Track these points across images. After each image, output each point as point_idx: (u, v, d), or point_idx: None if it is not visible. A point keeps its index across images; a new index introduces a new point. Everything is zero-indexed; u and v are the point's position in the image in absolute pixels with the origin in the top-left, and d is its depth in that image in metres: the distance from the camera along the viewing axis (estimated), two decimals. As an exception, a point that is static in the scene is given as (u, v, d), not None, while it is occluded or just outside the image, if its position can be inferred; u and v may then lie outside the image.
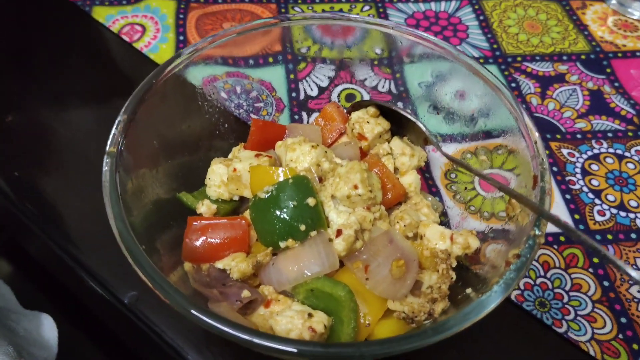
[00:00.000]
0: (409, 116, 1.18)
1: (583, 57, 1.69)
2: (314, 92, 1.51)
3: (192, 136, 1.22)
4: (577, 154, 1.46)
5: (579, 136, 1.50)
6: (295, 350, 0.73)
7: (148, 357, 1.35)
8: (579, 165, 1.43)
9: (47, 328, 1.51)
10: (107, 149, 0.94)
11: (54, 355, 1.45)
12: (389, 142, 1.22)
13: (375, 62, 1.55)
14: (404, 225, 1.07)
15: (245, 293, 0.94)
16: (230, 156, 1.21)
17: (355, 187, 1.01)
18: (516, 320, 1.18)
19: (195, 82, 1.21)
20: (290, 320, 0.90)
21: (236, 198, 1.15)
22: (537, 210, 0.84)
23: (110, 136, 0.96)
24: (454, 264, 1.01)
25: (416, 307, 0.95)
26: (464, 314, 0.79)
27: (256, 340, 0.73)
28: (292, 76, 1.54)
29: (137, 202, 0.98)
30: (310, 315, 0.92)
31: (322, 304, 0.96)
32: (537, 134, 0.99)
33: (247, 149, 1.20)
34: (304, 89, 1.52)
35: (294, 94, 1.51)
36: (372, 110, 1.21)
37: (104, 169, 0.92)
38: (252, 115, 1.36)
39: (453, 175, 1.34)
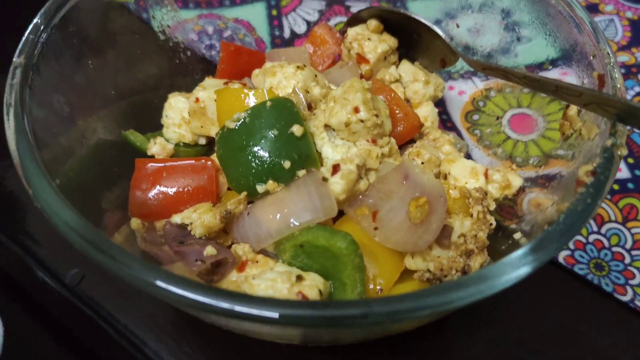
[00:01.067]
0: (425, 22, 0.92)
1: (617, -15, 1.44)
2: (302, 28, 1.25)
3: (148, 71, 0.96)
4: (622, 91, 1.19)
5: (622, 70, 1.24)
6: (275, 315, 0.47)
7: (102, 351, 1.08)
8: (626, 102, 1.17)
9: (-9, 326, 1.25)
10: (15, 57, 0.68)
11: (-4, 356, 1.19)
12: (396, 67, 0.96)
13: (374, -2, 1.30)
14: (422, 163, 0.82)
15: (209, 250, 0.68)
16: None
17: (356, 110, 0.76)
18: (566, 287, 0.92)
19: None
20: (271, 284, 0.64)
21: (202, 142, 0.90)
22: (619, 105, 0.58)
23: (22, 41, 0.70)
24: (492, 207, 0.75)
25: (445, 262, 0.69)
26: (527, 251, 0.53)
27: (208, 301, 0.47)
28: (274, 12, 1.28)
29: (59, 139, 0.72)
30: (299, 277, 0.66)
31: (316, 264, 0.70)
32: (593, 23, 0.73)
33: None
34: (290, 26, 1.26)
35: (277, 32, 1.26)
36: (374, 24, 0.95)
37: (8, 83, 0.66)
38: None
39: (476, 117, 1.08)
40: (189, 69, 1.01)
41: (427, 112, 0.93)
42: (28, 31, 0.70)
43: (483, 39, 1.05)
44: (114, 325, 0.90)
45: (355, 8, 1.19)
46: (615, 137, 0.61)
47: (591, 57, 0.72)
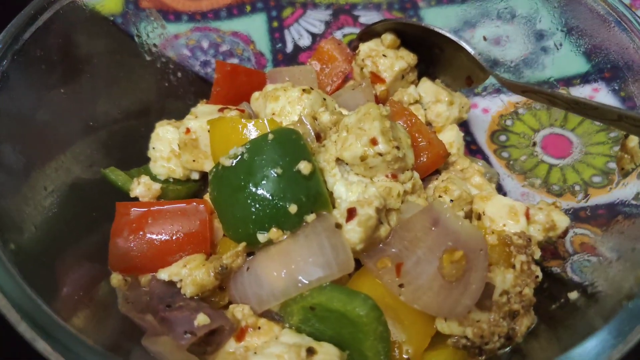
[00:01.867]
0: (450, 36, 0.80)
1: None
2: (306, 42, 1.14)
3: (132, 96, 0.85)
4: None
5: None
6: None
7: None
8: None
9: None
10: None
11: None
12: (416, 86, 0.85)
13: (384, 7, 1.19)
14: (451, 200, 0.70)
15: (201, 319, 0.56)
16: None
17: (374, 141, 0.64)
18: None
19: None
20: (277, 362, 0.52)
21: (195, 176, 0.78)
22: None
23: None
24: (537, 255, 0.63)
25: (486, 327, 0.57)
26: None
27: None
28: (275, 24, 1.17)
29: (20, 183, 0.61)
30: (310, 350, 0.54)
31: (329, 329, 0.59)
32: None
33: (212, 104, 0.82)
34: (292, 38, 1.15)
35: (279, 45, 1.14)
36: (389, 38, 0.83)
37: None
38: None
39: (503, 138, 0.97)
40: (180, 92, 0.90)
41: (452, 137, 0.82)
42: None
43: (509, 50, 0.94)
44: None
45: (364, 18, 1.08)
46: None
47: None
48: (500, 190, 0.88)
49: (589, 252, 0.66)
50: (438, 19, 1.03)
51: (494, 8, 0.93)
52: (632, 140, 0.61)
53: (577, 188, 0.81)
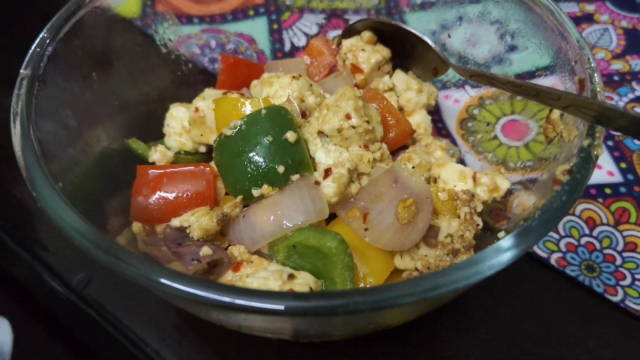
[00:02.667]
0: (416, 32, 0.95)
1: (612, -5, 1.46)
2: (302, 41, 1.29)
3: (151, 83, 1.00)
4: (616, 97, 1.22)
5: (616, 78, 1.27)
6: (258, 305, 0.50)
7: (106, 353, 1.11)
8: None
9: (2, 332, 1.29)
10: (22, 69, 0.72)
11: (6, 361, 1.22)
12: (390, 77, 1.00)
13: (372, 12, 1.34)
14: (412, 167, 0.84)
15: (205, 250, 0.71)
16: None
17: (348, 116, 0.79)
18: (558, 288, 0.94)
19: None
20: (264, 282, 0.67)
21: (202, 149, 0.93)
22: (595, 107, 0.61)
23: (29, 53, 0.74)
24: (479, 208, 0.77)
25: (432, 261, 0.72)
26: (500, 246, 0.56)
27: (204, 294, 0.50)
28: (275, 26, 1.32)
29: (64, 147, 0.76)
30: (291, 276, 0.69)
31: (308, 264, 0.73)
32: (576, 31, 0.76)
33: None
34: (290, 39, 1.30)
35: (277, 45, 1.30)
36: (367, 35, 0.98)
37: (15, 93, 0.70)
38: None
39: (470, 124, 1.11)
40: (190, 80, 1.05)
41: (420, 120, 0.96)
42: (35, 44, 0.75)
43: (478, 49, 1.08)
44: (118, 327, 0.93)
45: (353, 21, 1.23)
46: (592, 138, 0.63)
47: (573, 63, 0.74)
48: (463, 164, 1.02)
49: (523, 208, 0.80)
50: (420, 22, 1.18)
51: (467, 12, 1.07)
52: (554, 113, 0.75)
53: (528, 164, 0.95)
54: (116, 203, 0.84)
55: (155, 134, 0.96)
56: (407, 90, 0.97)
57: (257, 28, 1.33)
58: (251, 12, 1.33)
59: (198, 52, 1.22)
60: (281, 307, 0.50)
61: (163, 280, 0.53)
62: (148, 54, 0.98)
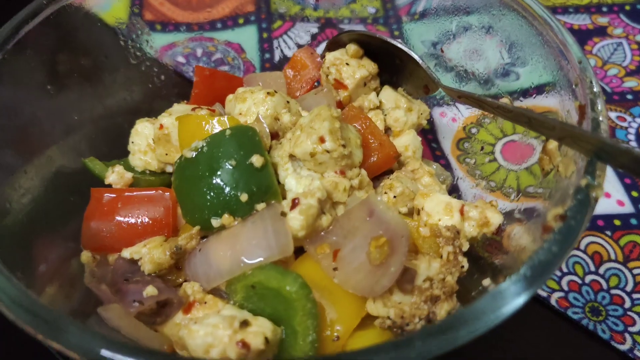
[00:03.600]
0: (404, 48, 0.86)
1: (627, 7, 1.36)
2: (292, 52, 1.21)
3: (117, 95, 0.93)
4: (629, 118, 1.12)
5: (629, 97, 1.17)
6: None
7: None
8: (632, 130, 1.10)
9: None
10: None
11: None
12: (377, 93, 0.91)
13: (369, 21, 1.26)
14: (394, 197, 0.76)
15: (149, 290, 0.63)
16: (163, 116, 0.91)
17: (322, 139, 0.71)
18: (559, 332, 0.84)
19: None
20: (212, 330, 0.59)
21: (170, 169, 0.85)
22: (594, 142, 0.51)
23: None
24: (465, 247, 0.68)
25: (407, 309, 0.63)
26: (476, 310, 0.47)
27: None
28: (264, 35, 1.24)
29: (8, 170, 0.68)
30: (245, 323, 0.60)
31: (268, 307, 0.65)
32: (578, 50, 0.67)
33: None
34: (280, 48, 1.22)
35: (267, 55, 1.22)
36: (353, 48, 0.90)
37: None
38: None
39: (467, 145, 1.02)
40: (163, 93, 0.97)
41: (408, 141, 0.87)
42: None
43: (477, 63, 0.99)
44: None
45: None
46: (591, 177, 0.54)
47: (574, 86, 0.65)
48: (456, 191, 0.93)
49: (518, 247, 0.71)
50: (420, 33, 1.10)
51: (467, 23, 0.99)
52: (552, 143, 0.66)
53: (530, 190, 0.86)
54: (69, 228, 0.76)
55: (124, 152, 0.89)
56: (395, 108, 0.88)
57: (246, 36, 1.26)
58: (241, 20, 1.26)
59: (183, 61, 1.15)
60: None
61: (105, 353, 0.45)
62: (115, 64, 0.90)
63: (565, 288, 0.88)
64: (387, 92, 0.90)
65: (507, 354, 0.82)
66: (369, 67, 0.89)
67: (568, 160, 0.60)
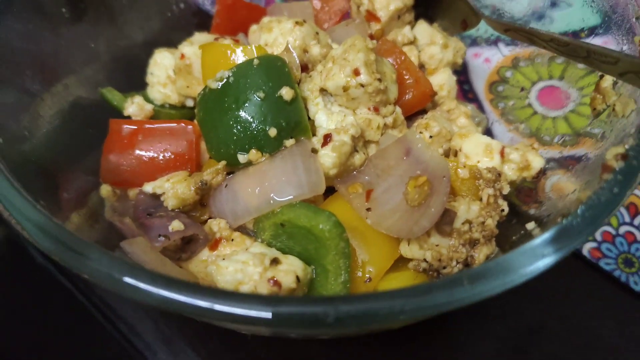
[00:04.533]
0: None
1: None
2: (316, -17, 1.14)
3: (136, 25, 0.87)
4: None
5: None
6: (207, 306, 0.39)
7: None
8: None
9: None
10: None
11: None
12: (412, 28, 0.85)
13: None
14: (430, 137, 0.72)
15: (175, 225, 0.60)
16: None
17: (356, 72, 0.66)
18: (589, 283, 0.82)
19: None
20: (242, 267, 0.56)
21: (190, 103, 0.81)
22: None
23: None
24: (506, 190, 0.64)
25: (445, 252, 0.60)
26: (524, 251, 0.44)
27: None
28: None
29: (22, 97, 0.64)
30: (275, 261, 0.57)
31: (297, 246, 0.62)
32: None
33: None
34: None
35: (289, -15, 1.15)
36: (390, -24, 0.83)
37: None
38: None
39: (501, 88, 0.97)
40: (182, 23, 0.92)
41: (443, 80, 0.82)
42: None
43: (516, 2, 0.93)
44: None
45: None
46: (658, 114, 0.50)
47: (634, 19, 0.60)
48: (490, 134, 0.89)
49: (560, 194, 0.67)
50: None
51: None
52: (606, 81, 0.62)
53: (567, 138, 0.82)
54: (87, 161, 0.73)
55: (142, 84, 0.84)
56: (430, 44, 0.83)
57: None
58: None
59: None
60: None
61: (128, 280, 0.42)
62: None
63: (599, 238, 0.85)
64: (422, 27, 0.84)
65: (537, 304, 0.80)
66: None
67: (625, 99, 0.56)
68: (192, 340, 0.78)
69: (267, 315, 0.39)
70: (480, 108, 0.95)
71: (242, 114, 0.65)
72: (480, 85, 0.99)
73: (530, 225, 0.59)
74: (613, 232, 0.86)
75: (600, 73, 0.63)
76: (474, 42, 1.00)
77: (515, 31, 0.68)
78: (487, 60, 0.99)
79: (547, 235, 0.44)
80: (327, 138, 0.64)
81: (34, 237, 0.47)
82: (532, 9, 0.91)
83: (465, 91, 0.99)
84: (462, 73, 1.02)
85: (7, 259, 1.17)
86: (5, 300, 1.06)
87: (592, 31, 0.81)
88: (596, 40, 0.78)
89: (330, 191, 0.67)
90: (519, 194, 0.76)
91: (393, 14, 0.83)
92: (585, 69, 0.79)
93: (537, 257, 0.43)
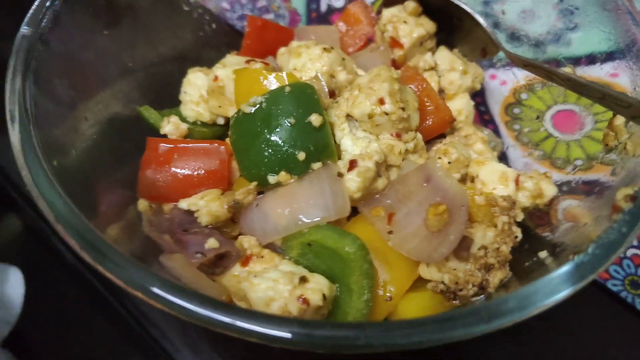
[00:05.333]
0: (465, 7, 0.84)
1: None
2: (340, 2, 1.18)
3: (169, 42, 0.92)
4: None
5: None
6: (252, 328, 0.43)
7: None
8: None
9: (13, 284, 1.27)
10: (23, 27, 0.65)
11: (15, 315, 1.20)
12: (433, 54, 0.89)
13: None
14: (449, 163, 0.76)
15: (211, 242, 0.64)
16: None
17: (381, 101, 0.70)
18: (597, 303, 0.86)
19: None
20: (272, 285, 0.60)
21: (221, 121, 0.86)
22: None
23: (32, 8, 0.67)
24: (520, 218, 0.69)
25: (462, 275, 0.64)
26: (538, 288, 0.48)
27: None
28: (313, -18, 1.21)
29: (64, 112, 0.69)
30: (303, 279, 0.62)
31: (323, 264, 0.66)
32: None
33: (242, 56, 0.89)
34: (327, -1, 1.19)
35: (313, 5, 1.19)
36: (412, 5, 0.87)
37: (14, 50, 0.63)
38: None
39: (517, 110, 1.00)
40: (214, 42, 0.96)
41: (461, 105, 0.86)
42: (37, 1, 0.67)
43: (533, 25, 0.96)
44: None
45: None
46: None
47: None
48: (505, 159, 0.93)
49: (573, 220, 0.71)
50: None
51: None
52: (619, 119, 0.65)
53: (578, 163, 0.85)
54: (123, 175, 0.78)
55: (172, 100, 0.89)
56: (450, 70, 0.87)
57: (293, -19, 1.23)
58: (289, -36, 1.22)
59: (227, 7, 1.13)
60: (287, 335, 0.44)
61: (156, 290, 0.47)
62: (168, 11, 0.89)
63: (607, 260, 0.89)
64: (443, 53, 0.88)
65: (544, 323, 0.83)
66: (427, 26, 0.87)
67: (637, 139, 0.60)
68: (215, 346, 0.83)
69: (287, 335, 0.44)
70: (496, 130, 0.99)
71: (273, 137, 0.69)
72: (496, 108, 1.03)
73: (543, 254, 0.63)
74: (620, 254, 0.89)
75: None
76: (491, 64, 1.04)
77: (534, 67, 0.72)
78: (504, 83, 1.03)
79: (561, 271, 0.48)
80: (352, 163, 0.68)
81: (78, 245, 0.52)
82: (550, 29, 0.95)
83: (482, 112, 1.03)
84: (478, 94, 1.05)
85: (39, 260, 1.23)
86: (37, 300, 1.12)
87: (610, 56, 0.84)
88: (609, 65, 0.81)
89: (353, 211, 0.71)
90: (532, 217, 0.79)
91: (416, 41, 0.87)
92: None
93: (552, 292, 0.47)
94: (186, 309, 0.46)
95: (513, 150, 0.92)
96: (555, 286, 0.48)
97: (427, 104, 0.79)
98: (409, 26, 0.86)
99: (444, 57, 0.88)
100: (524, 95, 1.00)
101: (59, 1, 0.69)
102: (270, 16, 1.16)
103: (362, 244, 0.63)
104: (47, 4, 0.68)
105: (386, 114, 0.70)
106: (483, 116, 1.02)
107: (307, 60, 0.80)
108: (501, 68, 0.99)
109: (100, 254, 0.50)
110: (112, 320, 0.92)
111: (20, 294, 1.27)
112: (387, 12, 0.89)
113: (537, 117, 0.89)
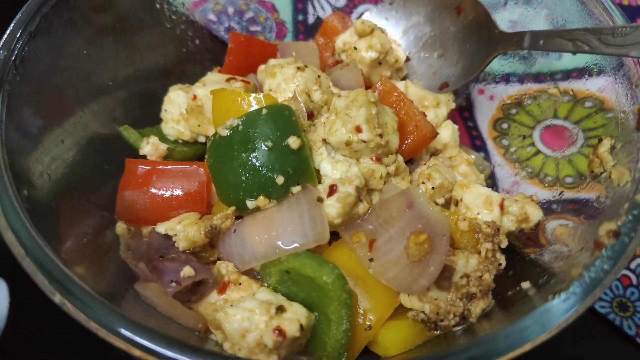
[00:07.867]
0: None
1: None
2: (327, 13, 1.16)
3: (151, 60, 0.90)
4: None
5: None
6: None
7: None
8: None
9: (-2, 295, 1.25)
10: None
11: (0, 327, 1.19)
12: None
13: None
14: (432, 188, 0.74)
15: (187, 271, 0.63)
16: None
17: (358, 129, 0.68)
18: (584, 325, 0.84)
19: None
20: (249, 315, 0.59)
21: (202, 139, 0.84)
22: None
23: (7, 32, 0.65)
24: (504, 244, 0.67)
25: (443, 305, 0.62)
26: (520, 328, 0.47)
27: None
28: (299, -5, 1.19)
29: (38, 135, 0.67)
30: (280, 308, 0.61)
31: (301, 292, 0.65)
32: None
33: (224, 73, 0.87)
34: (314, 10, 1.17)
35: (300, 17, 1.17)
36: (359, 27, 0.87)
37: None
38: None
39: (505, 126, 0.99)
40: (197, 57, 0.95)
41: (447, 136, 0.85)
42: (14, 23, 0.65)
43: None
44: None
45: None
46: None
47: (634, 87, 0.62)
48: (493, 178, 0.91)
49: (563, 242, 0.69)
50: None
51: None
52: (603, 146, 0.64)
53: (568, 180, 0.83)
54: (101, 197, 0.76)
55: (155, 117, 0.87)
56: (422, 109, 0.85)
57: (281, -6, 1.21)
58: (277, -23, 1.20)
59: (214, 19, 1.12)
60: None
61: (125, 332, 0.45)
62: (150, 28, 0.88)
63: (594, 281, 0.87)
64: (411, 90, 0.87)
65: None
66: (379, 45, 0.86)
67: (622, 169, 0.58)
68: None
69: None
70: (484, 146, 0.97)
71: (251, 161, 0.68)
72: (484, 123, 1.01)
73: (526, 285, 0.61)
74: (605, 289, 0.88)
75: (598, 137, 0.65)
76: (479, 79, 1.02)
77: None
78: (492, 97, 1.02)
79: (537, 312, 0.46)
80: (332, 188, 0.67)
81: (43, 282, 0.50)
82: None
83: (470, 128, 1.02)
84: (466, 109, 1.04)
85: (23, 272, 1.21)
86: (21, 313, 1.10)
87: (601, 70, 0.83)
88: (597, 82, 0.80)
89: (335, 235, 0.69)
90: (520, 237, 0.78)
91: (371, 64, 0.87)
92: (591, 109, 0.82)
93: (541, 329, 0.46)
94: (153, 351, 0.45)
95: (500, 169, 0.90)
96: (544, 323, 0.46)
97: (407, 120, 0.77)
98: (358, 53, 0.86)
99: (414, 94, 0.87)
100: (513, 110, 0.99)
101: (35, 23, 0.67)
102: (257, 28, 1.14)
103: (340, 274, 0.61)
104: (23, 27, 0.66)
105: (363, 142, 0.68)
106: (471, 131, 1.01)
107: (281, 80, 0.78)
108: (490, 82, 0.97)
109: (67, 291, 0.49)
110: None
111: (5, 307, 1.25)
112: (339, 42, 0.89)
113: (524, 137, 0.88)
